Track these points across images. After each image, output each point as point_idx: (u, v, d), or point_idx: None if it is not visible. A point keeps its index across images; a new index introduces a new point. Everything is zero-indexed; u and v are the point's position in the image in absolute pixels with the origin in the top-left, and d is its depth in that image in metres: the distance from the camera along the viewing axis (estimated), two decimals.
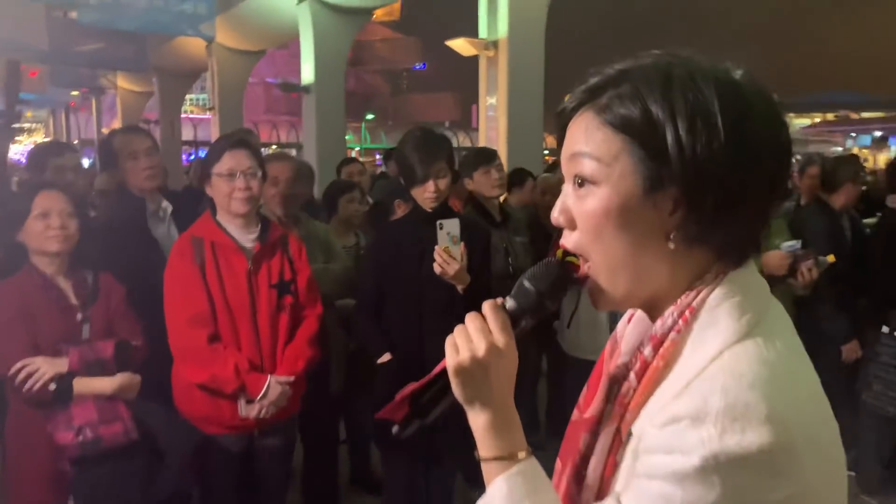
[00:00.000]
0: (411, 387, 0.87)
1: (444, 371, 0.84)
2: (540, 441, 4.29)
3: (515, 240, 3.43)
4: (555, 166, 4.74)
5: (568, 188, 0.80)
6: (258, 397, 2.32)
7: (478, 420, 0.82)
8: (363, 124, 35.86)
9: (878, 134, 42.91)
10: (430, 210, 2.56)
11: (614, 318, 3.19)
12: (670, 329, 0.75)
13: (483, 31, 8.57)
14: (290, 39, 14.01)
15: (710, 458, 0.65)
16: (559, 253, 0.84)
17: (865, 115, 49.62)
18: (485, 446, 0.82)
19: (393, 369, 2.59)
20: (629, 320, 0.90)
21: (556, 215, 0.81)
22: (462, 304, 2.53)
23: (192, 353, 2.28)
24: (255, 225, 2.42)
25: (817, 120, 52.02)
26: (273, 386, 2.33)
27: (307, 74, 12.01)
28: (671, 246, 0.74)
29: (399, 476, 2.73)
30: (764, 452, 0.65)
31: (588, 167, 0.75)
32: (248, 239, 2.38)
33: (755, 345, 0.71)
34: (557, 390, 4.44)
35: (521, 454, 0.81)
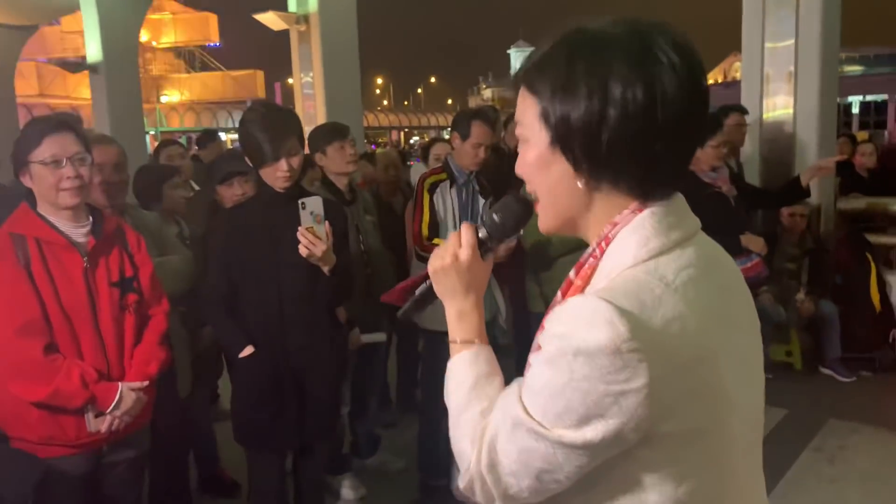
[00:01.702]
0: (410, 281, 1.13)
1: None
2: (392, 417, 4.31)
3: (365, 218, 3.36)
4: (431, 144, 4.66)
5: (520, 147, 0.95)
6: (110, 408, 2.07)
7: (449, 311, 1.06)
8: (157, 106, 33.33)
9: None
10: (281, 190, 2.43)
11: None
12: (590, 255, 0.90)
13: (292, 5, 8.26)
14: (66, 13, 12.58)
15: (560, 348, 0.79)
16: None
17: None
18: (452, 331, 1.06)
19: (256, 362, 2.44)
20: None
21: (517, 169, 0.96)
22: (325, 287, 2.44)
23: (26, 368, 1.96)
24: (85, 217, 2.13)
25: None
26: (126, 394, 2.09)
27: (94, 53, 10.86)
28: (580, 185, 0.88)
29: (267, 472, 2.59)
30: (601, 350, 0.76)
31: (521, 129, 0.93)
32: (79, 233, 2.09)
33: (643, 269, 0.84)
34: (408, 366, 4.46)
35: (477, 341, 1.05)
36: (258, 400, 2.48)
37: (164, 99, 35.39)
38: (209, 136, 6.33)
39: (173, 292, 2.57)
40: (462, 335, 1.05)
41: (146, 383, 2.15)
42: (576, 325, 0.78)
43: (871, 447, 3.78)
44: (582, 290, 0.88)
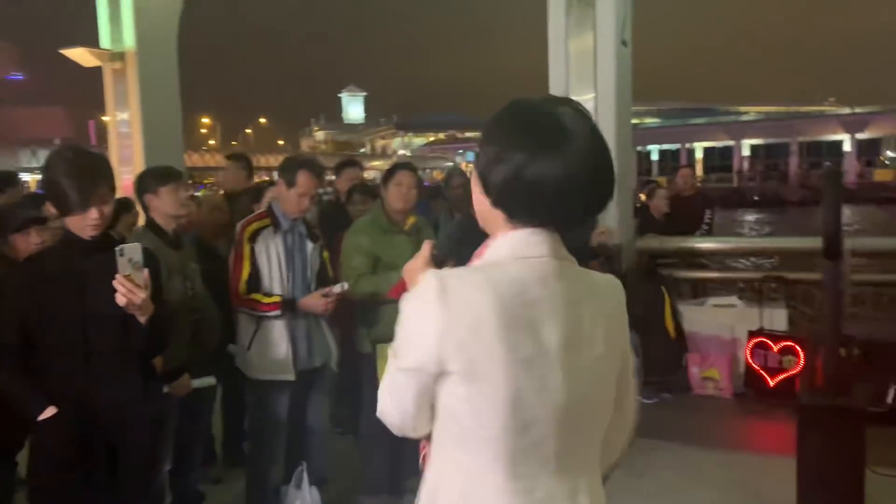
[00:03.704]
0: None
1: None
2: (218, 473, 4.13)
3: (190, 265, 3.24)
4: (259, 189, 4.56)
5: None
6: None
7: None
8: None
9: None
10: (89, 239, 2.31)
11: (294, 338, 3.23)
12: (481, 253, 1.27)
13: (105, 41, 7.84)
14: None
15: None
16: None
17: (469, 134, 57.97)
18: None
19: (60, 423, 2.27)
20: None
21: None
22: (139, 337, 2.33)
23: None
24: None
25: (432, 139, 58.75)
26: None
27: None
28: (497, 217, 1.23)
29: None
30: (414, 296, 1.21)
31: (473, 175, 1.28)
32: None
33: (482, 262, 1.24)
34: (234, 418, 4.30)
35: None
36: (63, 463, 2.30)
37: None
38: (8, 180, 5.75)
39: None
40: None
41: None
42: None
43: (673, 461, 4.18)
44: None
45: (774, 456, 3.99)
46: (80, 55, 7.63)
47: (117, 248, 2.20)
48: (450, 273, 1.19)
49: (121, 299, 2.19)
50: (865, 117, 52.82)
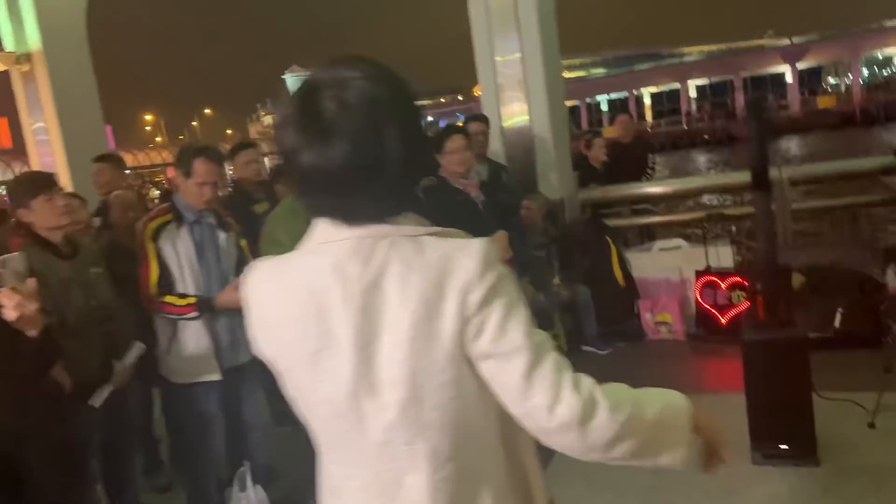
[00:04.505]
0: None
1: None
2: (166, 480, 3.98)
3: (90, 271, 3.01)
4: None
5: None
6: None
7: None
8: None
9: (429, 119, 49.85)
10: None
11: (215, 335, 3.06)
12: None
13: (9, 43, 7.41)
14: None
15: None
16: None
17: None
18: None
19: None
20: None
21: None
22: (29, 354, 2.15)
23: None
24: None
25: None
26: None
27: None
28: None
29: None
30: None
31: None
32: None
33: (275, 261, 1.17)
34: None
35: None
36: None
37: None
38: None
39: None
40: None
41: None
42: None
43: None
44: None
45: (729, 393, 3.96)
46: None
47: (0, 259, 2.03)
48: (264, 264, 1.17)
49: (10, 314, 2.01)
50: (804, 47, 53.55)
